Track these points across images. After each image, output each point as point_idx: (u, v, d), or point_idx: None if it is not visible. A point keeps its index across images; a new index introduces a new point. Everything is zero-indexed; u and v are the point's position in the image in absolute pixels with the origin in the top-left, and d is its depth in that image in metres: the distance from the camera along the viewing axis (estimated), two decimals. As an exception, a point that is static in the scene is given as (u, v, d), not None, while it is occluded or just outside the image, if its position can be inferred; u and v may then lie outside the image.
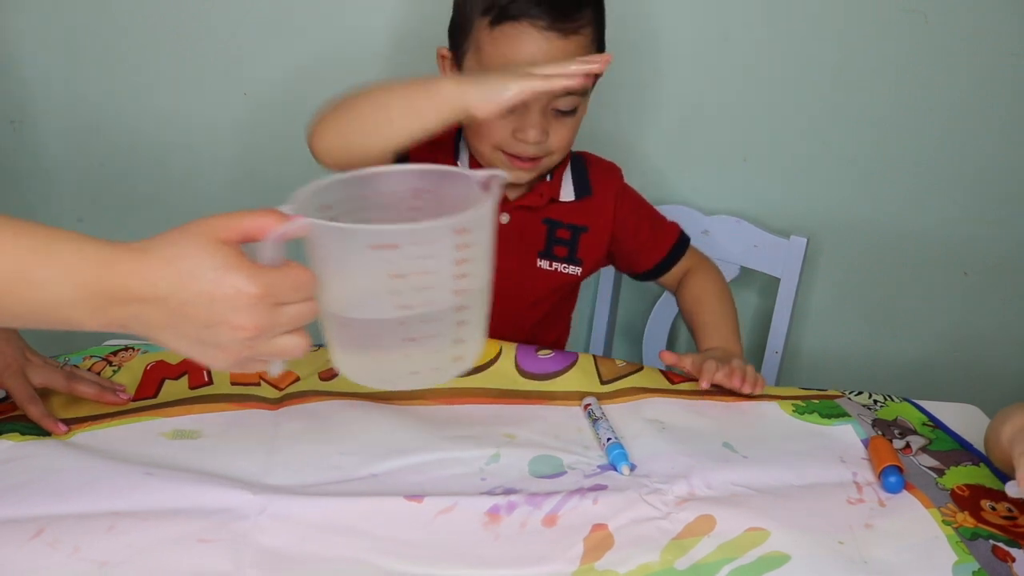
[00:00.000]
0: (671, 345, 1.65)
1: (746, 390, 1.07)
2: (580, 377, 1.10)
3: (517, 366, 1.10)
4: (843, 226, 1.56)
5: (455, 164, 1.20)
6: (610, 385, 1.09)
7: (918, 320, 1.64)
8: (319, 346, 1.12)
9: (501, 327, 1.17)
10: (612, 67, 1.33)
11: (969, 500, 0.90)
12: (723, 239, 1.51)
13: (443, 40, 1.16)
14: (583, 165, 1.25)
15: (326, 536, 0.82)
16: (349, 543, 0.82)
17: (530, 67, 0.94)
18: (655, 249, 1.31)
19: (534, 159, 1.12)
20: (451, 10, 1.14)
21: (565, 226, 1.23)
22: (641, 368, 1.13)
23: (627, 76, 1.46)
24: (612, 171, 1.29)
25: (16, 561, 0.78)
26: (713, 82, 1.48)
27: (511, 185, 1.19)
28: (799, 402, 1.07)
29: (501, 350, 1.12)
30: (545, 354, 1.12)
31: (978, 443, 1.00)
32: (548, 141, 1.10)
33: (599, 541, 0.83)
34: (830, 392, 1.11)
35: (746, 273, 1.53)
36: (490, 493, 0.88)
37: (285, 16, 1.45)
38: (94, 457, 0.91)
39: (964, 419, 1.05)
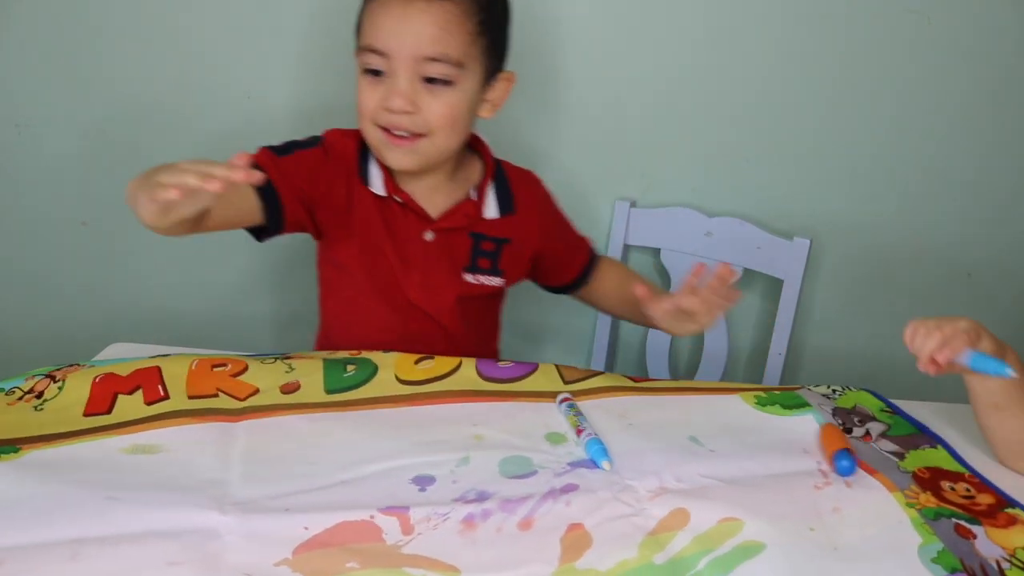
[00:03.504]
0: (673, 363, 1.65)
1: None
2: (543, 380, 1.10)
3: (479, 372, 1.10)
4: (846, 227, 1.56)
5: (361, 182, 1.17)
6: (572, 385, 1.09)
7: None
8: (277, 357, 1.12)
9: (429, 336, 1.20)
10: (614, 67, 1.34)
11: (929, 481, 0.93)
12: (726, 241, 1.51)
13: None
14: (504, 178, 1.24)
15: (300, 552, 0.81)
16: (324, 558, 0.80)
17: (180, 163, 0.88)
18: (571, 265, 1.33)
19: (412, 137, 1.10)
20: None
21: (489, 239, 1.22)
22: (602, 373, 1.14)
23: (629, 75, 1.47)
24: (532, 182, 1.29)
25: (-24, 596, 0.75)
26: (715, 83, 1.48)
27: (429, 199, 1.18)
28: (761, 394, 1.09)
29: (461, 362, 1.11)
30: (505, 363, 1.12)
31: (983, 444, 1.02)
32: (421, 114, 1.09)
33: (576, 540, 0.83)
34: (791, 385, 1.13)
35: (749, 275, 1.53)
36: (463, 500, 0.88)
37: (285, 19, 1.45)
38: (51, 482, 0.88)
39: (969, 420, 1.04)
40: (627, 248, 1.57)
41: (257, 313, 1.63)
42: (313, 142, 1.18)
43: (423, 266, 1.19)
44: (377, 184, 1.17)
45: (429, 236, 1.19)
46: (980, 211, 1.55)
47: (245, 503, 0.86)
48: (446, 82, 1.09)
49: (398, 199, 1.17)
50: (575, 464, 0.94)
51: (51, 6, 1.44)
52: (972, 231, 1.56)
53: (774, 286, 1.53)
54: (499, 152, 1.27)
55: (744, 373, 1.66)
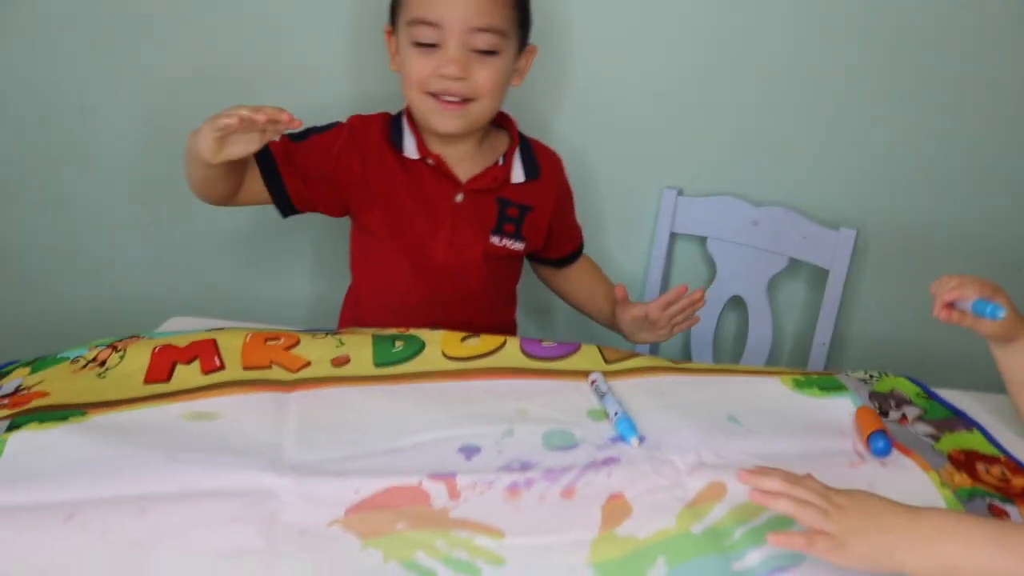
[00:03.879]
0: (717, 351, 1.66)
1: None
2: (585, 359, 1.13)
3: (523, 351, 1.13)
4: (894, 218, 1.55)
5: (396, 152, 1.26)
6: (613, 365, 1.12)
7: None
8: (328, 332, 1.16)
9: (452, 297, 1.28)
10: (661, 57, 1.41)
11: (965, 463, 0.95)
12: (772, 230, 1.52)
13: None
14: (530, 148, 1.32)
15: (352, 513, 0.85)
16: (374, 519, 0.84)
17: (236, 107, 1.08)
18: (568, 242, 1.42)
19: (462, 102, 1.19)
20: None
21: (515, 205, 1.29)
22: (642, 355, 1.17)
23: (677, 64, 1.49)
24: (554, 157, 1.37)
25: (51, 544, 0.80)
26: (764, 72, 1.49)
27: (460, 164, 1.26)
28: (798, 377, 1.11)
29: (506, 340, 1.15)
30: (548, 343, 1.16)
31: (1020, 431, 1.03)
32: (471, 80, 1.17)
33: (616, 509, 0.86)
34: (828, 370, 1.15)
35: (794, 264, 1.54)
36: (507, 469, 0.91)
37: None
38: (117, 443, 0.93)
39: (1008, 409, 1.04)
40: (673, 236, 1.59)
41: (307, 290, 1.67)
42: (331, 126, 1.28)
43: (452, 225, 1.26)
44: (410, 148, 1.25)
45: (459, 198, 1.26)
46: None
47: (300, 467, 0.90)
48: (492, 52, 1.17)
49: (430, 161, 1.24)
50: (616, 439, 0.97)
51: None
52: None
53: (819, 276, 1.54)
54: (552, 143, 1.32)
55: (788, 362, 1.67)
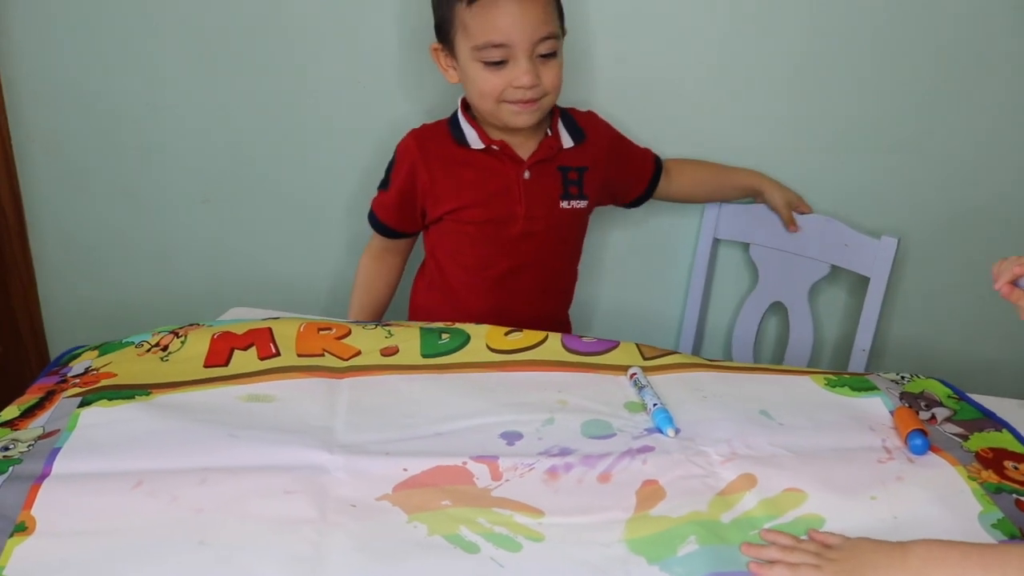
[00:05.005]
0: (758, 346, 1.67)
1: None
2: (623, 355, 1.17)
3: (564, 346, 1.18)
4: (936, 227, 1.55)
5: (461, 148, 1.36)
6: (651, 362, 1.16)
7: (1011, 323, 1.60)
8: (377, 324, 1.21)
9: (532, 260, 1.39)
10: (708, 66, 1.45)
11: (993, 461, 0.97)
12: (814, 237, 1.53)
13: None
14: (569, 116, 1.42)
15: (399, 490, 0.90)
16: (421, 495, 0.89)
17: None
18: (639, 177, 1.51)
19: (534, 100, 1.29)
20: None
21: (574, 169, 1.40)
22: (679, 352, 1.20)
23: (726, 73, 1.51)
24: (592, 116, 1.46)
25: (121, 507, 0.86)
26: (810, 82, 1.50)
27: (521, 145, 1.36)
28: (831, 376, 1.14)
29: (547, 336, 1.19)
30: (589, 339, 1.20)
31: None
32: (542, 83, 1.28)
33: (651, 494, 0.90)
34: (859, 372, 1.18)
35: (835, 271, 1.56)
36: (547, 454, 0.96)
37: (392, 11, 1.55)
38: (180, 420, 0.99)
39: None
40: (716, 242, 1.61)
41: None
42: (393, 161, 1.40)
43: (526, 200, 1.36)
44: (475, 140, 1.35)
45: (527, 175, 1.36)
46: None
47: (350, 446, 0.96)
48: (552, 54, 1.28)
49: (495, 147, 1.34)
50: (651, 430, 1.01)
51: (183, 4, 1.58)
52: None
53: (860, 283, 1.55)
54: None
55: (827, 366, 1.68)
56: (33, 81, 1.67)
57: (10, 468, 0.90)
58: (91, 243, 1.78)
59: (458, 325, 1.21)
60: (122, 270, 1.79)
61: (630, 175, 1.50)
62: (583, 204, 1.41)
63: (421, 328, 1.20)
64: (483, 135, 1.35)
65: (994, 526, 0.86)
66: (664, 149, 1.53)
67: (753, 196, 1.55)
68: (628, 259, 1.65)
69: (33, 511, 0.84)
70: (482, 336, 1.18)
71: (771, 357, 1.70)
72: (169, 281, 1.77)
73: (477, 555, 0.82)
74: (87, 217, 1.76)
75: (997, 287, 0.95)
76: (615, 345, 1.18)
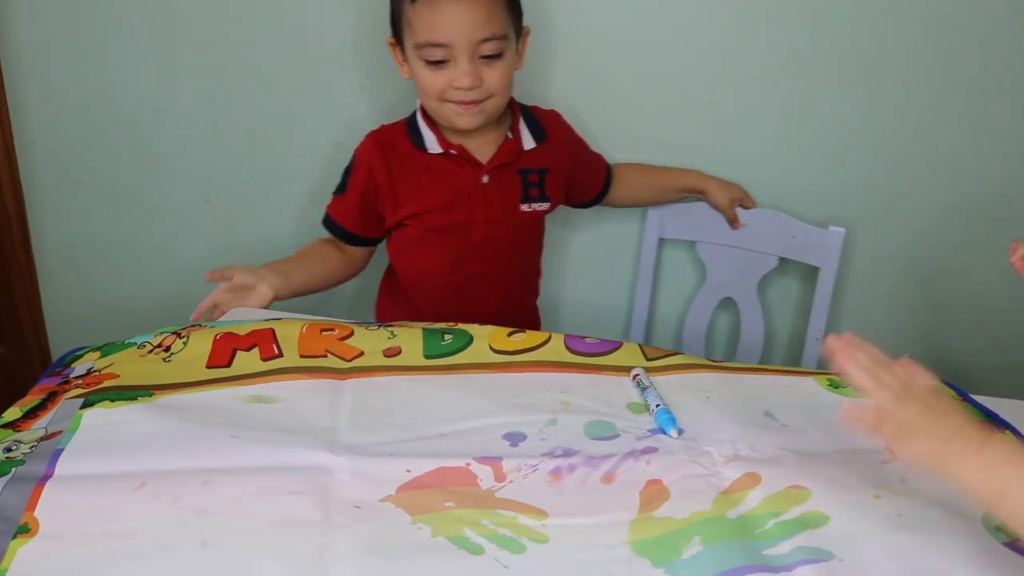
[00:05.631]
0: (710, 346, 1.69)
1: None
2: (627, 356, 1.17)
3: (567, 346, 1.18)
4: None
5: (420, 151, 1.36)
6: (655, 362, 1.16)
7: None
8: (380, 325, 1.21)
9: (491, 266, 1.40)
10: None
11: (997, 462, 0.97)
12: (761, 231, 1.55)
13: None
14: (532, 114, 1.42)
15: (403, 491, 0.89)
16: (424, 497, 0.89)
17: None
18: (595, 181, 1.53)
19: (476, 102, 1.28)
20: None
21: (534, 171, 1.41)
22: (683, 353, 1.20)
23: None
24: (555, 115, 1.47)
25: (124, 508, 0.85)
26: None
27: (480, 149, 1.36)
28: (834, 377, 1.14)
29: (550, 336, 1.19)
30: (591, 340, 1.20)
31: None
32: (484, 84, 1.27)
33: (655, 494, 0.90)
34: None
35: (785, 263, 1.58)
36: (551, 455, 0.96)
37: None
38: (183, 421, 0.99)
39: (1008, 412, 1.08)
40: (662, 242, 1.62)
41: (361, 287, 1.73)
42: (352, 163, 1.40)
43: (485, 205, 1.36)
44: (433, 144, 1.35)
45: (486, 179, 1.36)
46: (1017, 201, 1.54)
47: (353, 447, 0.95)
48: (498, 55, 1.27)
49: (453, 152, 1.34)
50: (655, 431, 1.01)
51: (184, 6, 1.58)
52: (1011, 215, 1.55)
53: (811, 273, 1.57)
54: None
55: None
56: (36, 85, 1.67)
57: (13, 469, 0.90)
58: (93, 244, 1.78)
59: (461, 326, 1.21)
60: (124, 271, 1.79)
61: (586, 179, 1.51)
62: (545, 206, 1.41)
63: (424, 329, 1.20)
64: (441, 139, 1.34)
65: (997, 528, 0.86)
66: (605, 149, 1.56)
67: (697, 195, 1.56)
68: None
69: (36, 512, 0.84)
70: (485, 337, 1.18)
71: (723, 353, 1.71)
72: (171, 281, 1.77)
73: (481, 556, 0.82)
74: (89, 218, 1.76)
75: (1013, 259, 0.98)
76: (618, 346, 1.18)
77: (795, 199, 1.58)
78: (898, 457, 0.80)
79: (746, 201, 1.55)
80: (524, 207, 1.40)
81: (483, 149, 1.36)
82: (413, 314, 1.42)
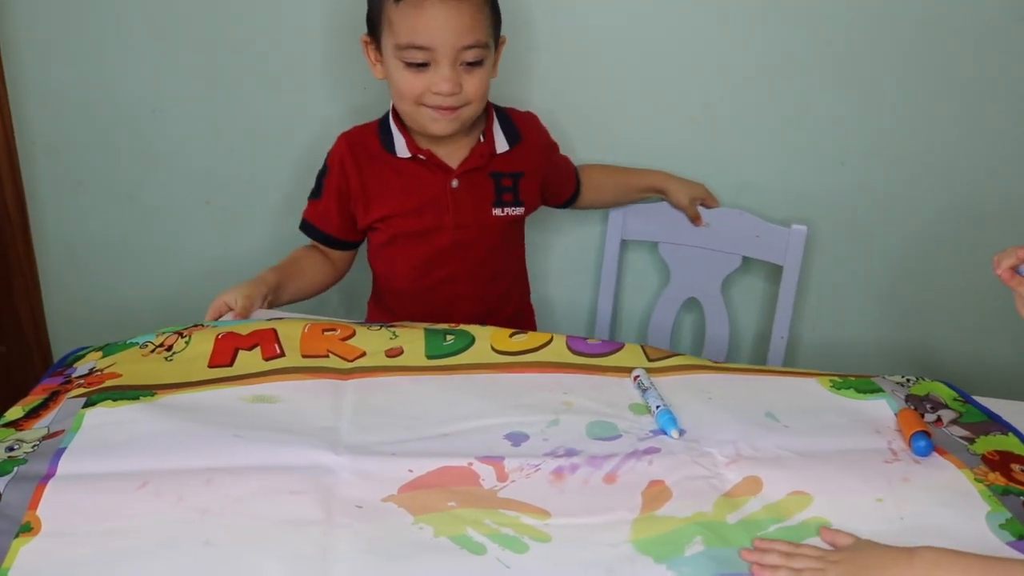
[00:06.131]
0: (675, 345, 1.68)
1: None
2: (628, 357, 1.17)
3: (569, 347, 1.17)
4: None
5: (388, 153, 1.35)
6: (657, 363, 1.16)
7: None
8: (382, 325, 1.21)
9: (465, 271, 1.39)
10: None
11: (999, 463, 0.97)
12: (724, 231, 1.55)
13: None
14: (507, 116, 1.40)
15: (405, 491, 0.90)
16: (426, 496, 0.89)
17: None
18: (567, 183, 1.52)
19: (453, 108, 1.27)
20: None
21: (506, 175, 1.39)
22: (684, 354, 1.20)
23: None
24: (532, 118, 1.45)
25: (126, 507, 0.86)
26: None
27: (450, 153, 1.35)
28: (836, 378, 1.14)
29: (552, 337, 1.19)
30: (594, 341, 1.20)
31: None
32: (464, 91, 1.26)
33: (657, 494, 0.90)
34: (866, 373, 1.18)
35: (748, 262, 1.58)
36: (553, 455, 0.96)
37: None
38: (184, 420, 0.99)
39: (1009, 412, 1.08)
40: (624, 243, 1.61)
41: (359, 287, 1.73)
42: (325, 168, 1.39)
43: (454, 210, 1.35)
44: (402, 148, 1.34)
45: (455, 184, 1.35)
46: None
47: (356, 447, 0.96)
48: (478, 62, 1.26)
49: (422, 156, 1.33)
50: (657, 432, 1.01)
51: (186, 6, 1.58)
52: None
53: (774, 272, 1.57)
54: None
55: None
56: (37, 86, 1.67)
57: (15, 468, 0.90)
58: (94, 244, 1.78)
59: (463, 326, 1.21)
60: (125, 271, 1.79)
61: (558, 182, 1.50)
62: (519, 211, 1.40)
63: (426, 329, 1.20)
64: (411, 143, 1.34)
65: (1002, 526, 0.86)
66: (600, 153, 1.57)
67: (659, 195, 1.56)
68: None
69: (38, 511, 0.84)
70: (487, 337, 1.18)
71: (690, 345, 1.72)
72: (170, 282, 1.77)
73: (484, 556, 0.82)
74: (89, 218, 1.76)
75: (998, 272, 0.96)
76: (620, 347, 1.18)
77: (790, 200, 1.57)
78: None
79: (708, 200, 1.54)
80: (496, 211, 1.38)
81: (454, 154, 1.35)
82: (390, 316, 1.41)
